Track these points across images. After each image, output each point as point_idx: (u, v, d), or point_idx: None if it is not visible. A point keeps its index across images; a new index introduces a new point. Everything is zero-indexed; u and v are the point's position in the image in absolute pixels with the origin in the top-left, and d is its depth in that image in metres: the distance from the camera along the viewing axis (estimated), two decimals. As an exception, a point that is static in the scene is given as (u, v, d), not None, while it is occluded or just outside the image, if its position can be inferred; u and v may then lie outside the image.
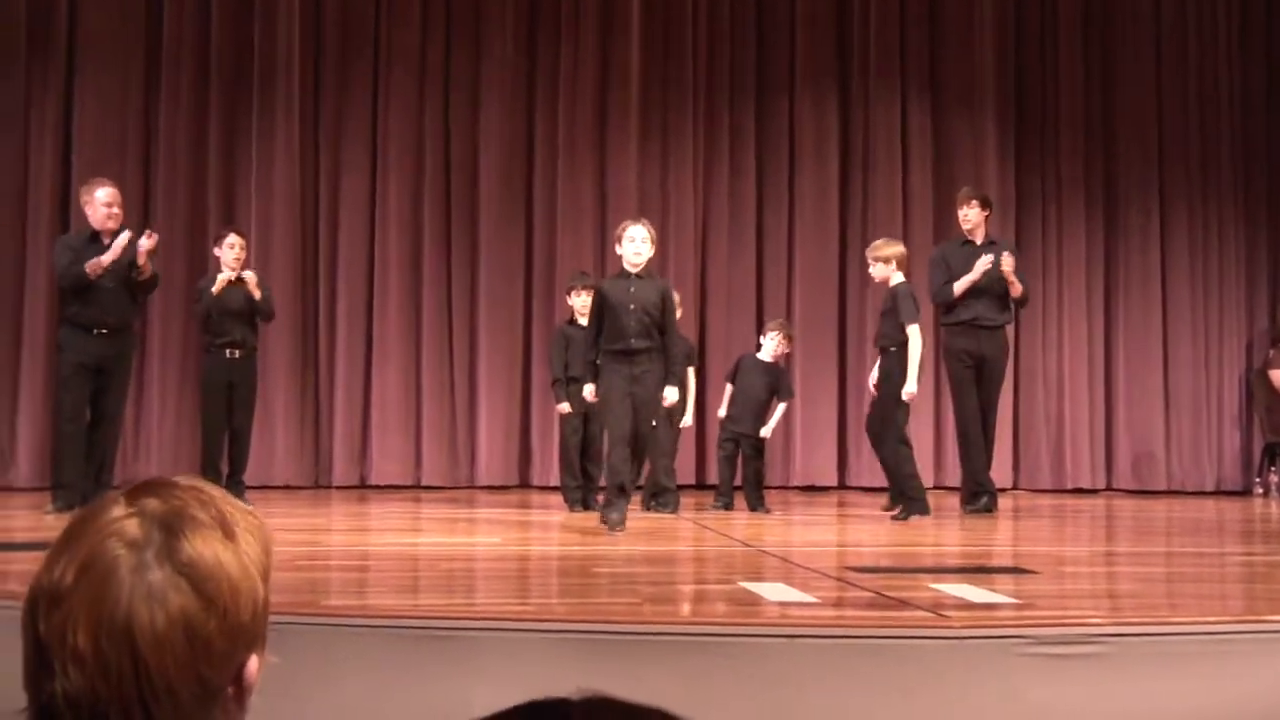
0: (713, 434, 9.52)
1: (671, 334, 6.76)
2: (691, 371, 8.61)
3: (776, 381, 8.50)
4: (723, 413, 8.60)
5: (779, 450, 10.31)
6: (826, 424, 10.77)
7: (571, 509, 8.10)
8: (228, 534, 1.18)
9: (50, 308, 9.11)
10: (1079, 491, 10.92)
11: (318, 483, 10.22)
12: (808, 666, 3.18)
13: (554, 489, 9.19)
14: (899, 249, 7.98)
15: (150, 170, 10.13)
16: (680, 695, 2.99)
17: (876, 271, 7.94)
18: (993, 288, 8.08)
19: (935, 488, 9.63)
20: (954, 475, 9.33)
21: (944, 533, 7.01)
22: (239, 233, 8.16)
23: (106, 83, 10.02)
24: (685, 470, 9.71)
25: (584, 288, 8.13)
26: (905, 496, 7.58)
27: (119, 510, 1.17)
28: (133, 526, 1.15)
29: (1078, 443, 11.11)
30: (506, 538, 6.47)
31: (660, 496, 8.08)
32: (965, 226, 8.26)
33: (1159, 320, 11.28)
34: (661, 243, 9.03)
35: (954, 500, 8.44)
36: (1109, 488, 11.12)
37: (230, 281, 7.80)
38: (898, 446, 7.68)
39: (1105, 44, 11.37)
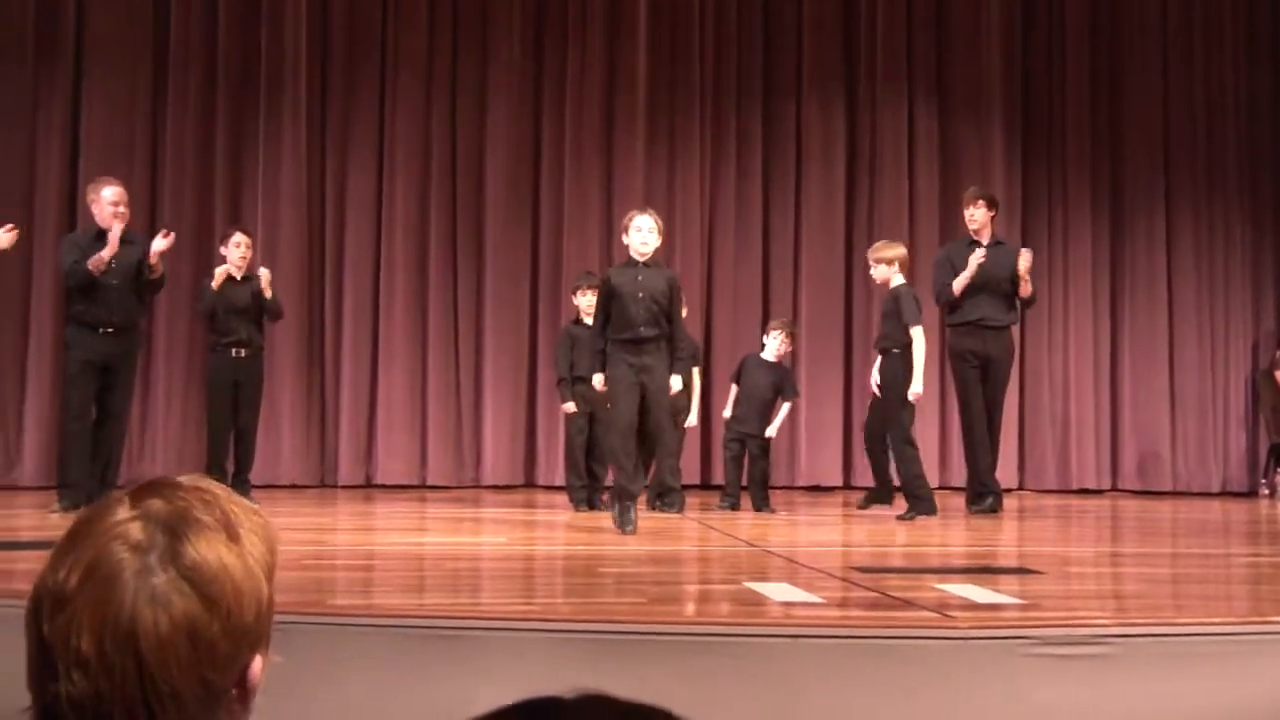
0: (717, 434, 9.53)
1: (678, 323, 6.75)
2: (696, 371, 8.61)
3: (781, 381, 8.51)
4: (728, 413, 8.61)
5: (784, 451, 10.32)
6: (832, 425, 10.77)
7: (577, 509, 8.11)
8: (232, 535, 1.18)
9: (57, 307, 9.13)
10: (1084, 492, 10.91)
11: (323, 482, 10.23)
12: (812, 667, 3.18)
13: (559, 489, 9.20)
14: (900, 251, 7.99)
15: (157, 173, 10.15)
16: (685, 695, 2.99)
17: (877, 273, 7.96)
18: (998, 287, 8.07)
19: (940, 488, 9.62)
20: (959, 475, 9.33)
21: (949, 533, 7.01)
22: (245, 232, 8.16)
23: (114, 85, 10.04)
24: (690, 470, 9.70)
25: (589, 288, 8.12)
26: (912, 496, 7.59)
27: (123, 512, 1.17)
28: (137, 529, 1.15)
29: (1083, 443, 11.10)
30: (512, 537, 6.47)
31: (665, 496, 8.08)
32: (972, 226, 8.25)
33: (1165, 322, 11.28)
34: (668, 245, 9.06)
35: (959, 500, 8.44)
36: (1114, 488, 11.11)
37: (232, 279, 7.80)
38: (904, 447, 7.69)
39: (1112, 49, 11.36)
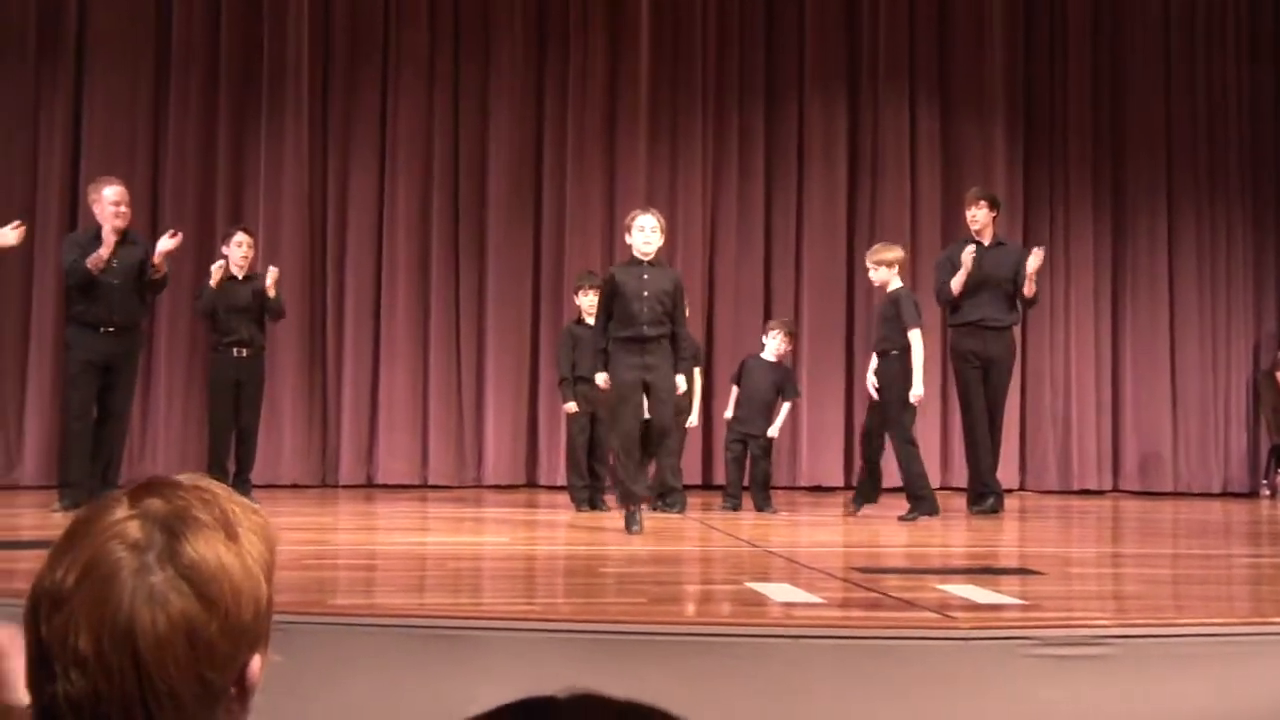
0: (718, 435, 9.53)
1: (682, 323, 6.73)
2: (698, 372, 8.60)
3: (783, 380, 8.51)
4: (729, 414, 8.60)
5: (786, 451, 10.33)
6: (833, 425, 10.77)
7: (578, 509, 8.10)
8: (230, 534, 1.18)
9: (58, 306, 9.13)
10: (1085, 493, 10.91)
11: (325, 482, 10.24)
12: (813, 667, 3.18)
13: (561, 489, 9.19)
14: (898, 253, 7.99)
15: (159, 172, 10.16)
16: (685, 695, 2.99)
17: (876, 276, 7.94)
18: (999, 287, 8.07)
19: (941, 488, 9.63)
20: (960, 476, 9.33)
21: (950, 533, 7.00)
22: (247, 231, 8.15)
23: (116, 84, 10.04)
24: (691, 471, 9.71)
25: (592, 287, 8.11)
26: (914, 496, 7.60)
27: (121, 511, 1.17)
28: (135, 528, 1.15)
29: (1084, 444, 11.10)
30: (513, 537, 6.47)
31: (667, 496, 8.08)
32: (974, 227, 8.25)
33: (1166, 323, 11.28)
34: (670, 244, 9.06)
35: (960, 501, 8.43)
36: (1115, 489, 11.11)
37: (233, 278, 7.79)
38: (905, 447, 7.69)
39: (1114, 49, 11.37)
